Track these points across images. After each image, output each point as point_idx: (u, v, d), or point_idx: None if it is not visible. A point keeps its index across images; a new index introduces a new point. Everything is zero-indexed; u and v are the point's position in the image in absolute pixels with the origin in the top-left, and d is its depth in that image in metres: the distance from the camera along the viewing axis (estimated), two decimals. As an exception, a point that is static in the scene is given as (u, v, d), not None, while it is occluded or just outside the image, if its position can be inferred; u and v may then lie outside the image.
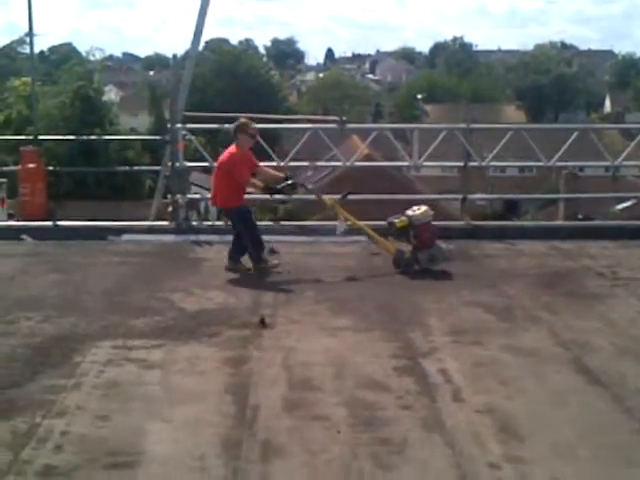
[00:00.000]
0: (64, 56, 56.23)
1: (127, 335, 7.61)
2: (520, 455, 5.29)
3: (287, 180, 10.50)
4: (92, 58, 39.84)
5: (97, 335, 7.60)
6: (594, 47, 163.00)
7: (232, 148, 10.33)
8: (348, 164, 13.21)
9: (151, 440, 5.49)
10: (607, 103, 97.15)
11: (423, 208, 10.57)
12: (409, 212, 10.50)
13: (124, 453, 5.30)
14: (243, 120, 10.60)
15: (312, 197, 11.41)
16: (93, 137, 25.46)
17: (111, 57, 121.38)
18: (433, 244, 10.34)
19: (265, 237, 11.76)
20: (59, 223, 12.97)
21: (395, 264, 10.40)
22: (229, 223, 10.84)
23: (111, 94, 53.79)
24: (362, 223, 10.77)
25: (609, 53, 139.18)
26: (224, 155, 10.40)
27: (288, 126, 18.00)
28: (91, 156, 26.40)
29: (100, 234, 12.28)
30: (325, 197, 10.82)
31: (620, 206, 36.05)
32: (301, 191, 11.58)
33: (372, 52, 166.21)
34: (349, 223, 10.64)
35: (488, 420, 5.81)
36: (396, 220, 10.43)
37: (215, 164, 11.24)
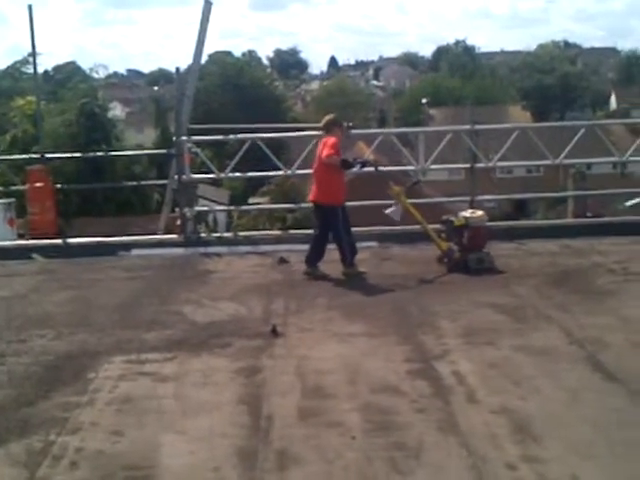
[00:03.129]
0: (68, 74, 56.38)
1: (139, 349, 7.62)
2: (537, 455, 5.26)
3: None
4: (96, 75, 39.98)
5: (109, 350, 7.61)
6: (597, 45, 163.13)
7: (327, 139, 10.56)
8: (355, 170, 13.17)
9: (166, 453, 5.48)
10: (613, 100, 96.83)
11: (479, 212, 10.92)
12: (466, 213, 10.81)
13: (140, 467, 5.30)
14: (334, 115, 11.13)
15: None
16: (100, 154, 25.50)
17: (115, 74, 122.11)
18: (483, 248, 10.54)
19: (275, 246, 11.84)
20: (69, 240, 13.00)
21: (440, 261, 10.65)
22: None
23: (116, 110, 53.89)
24: (420, 216, 10.86)
25: (612, 50, 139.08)
26: (323, 141, 10.63)
27: (293, 134, 17.92)
28: (98, 173, 26.43)
29: (110, 250, 12.29)
30: (392, 183, 10.92)
31: (629, 202, 35.96)
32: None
33: (375, 59, 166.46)
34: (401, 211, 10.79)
35: (503, 421, 5.79)
36: (454, 219, 10.71)
37: (222, 175, 11.24)
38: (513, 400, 6.16)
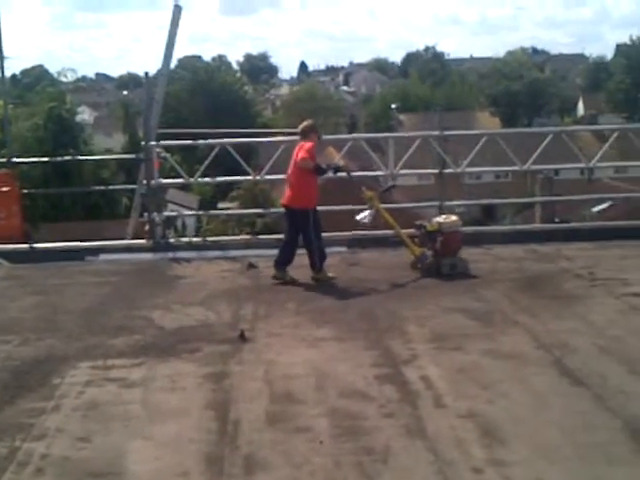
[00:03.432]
0: (36, 78, 56.08)
1: (106, 355, 7.57)
2: (503, 458, 5.29)
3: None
4: (64, 79, 39.90)
5: (76, 356, 7.56)
6: (565, 51, 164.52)
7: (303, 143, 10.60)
8: (329, 175, 13.19)
9: (133, 459, 5.45)
10: (580, 106, 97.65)
11: (453, 217, 10.95)
12: (439, 219, 10.84)
13: (106, 473, 5.27)
14: (311, 121, 11.11)
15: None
16: (67, 158, 25.35)
17: (84, 78, 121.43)
18: (457, 253, 10.60)
19: (244, 251, 11.82)
20: (35, 245, 12.88)
21: (414, 266, 10.66)
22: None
23: (85, 115, 53.61)
24: (393, 220, 10.88)
25: (580, 57, 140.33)
26: (299, 145, 10.65)
27: (263, 140, 17.96)
28: (66, 177, 26.32)
29: (77, 255, 12.19)
30: (365, 188, 10.92)
31: (596, 208, 36.31)
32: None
33: (345, 64, 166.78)
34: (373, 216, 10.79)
35: (471, 425, 5.81)
36: (427, 224, 10.75)
37: (191, 180, 11.16)
38: (480, 404, 6.19)
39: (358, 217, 10.80)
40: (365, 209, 10.80)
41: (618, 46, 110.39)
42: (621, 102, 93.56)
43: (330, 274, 10.47)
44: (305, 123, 10.92)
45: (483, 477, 5.07)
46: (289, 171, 10.67)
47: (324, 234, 10.80)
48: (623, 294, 9.27)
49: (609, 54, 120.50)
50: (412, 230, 11.03)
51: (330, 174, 11.09)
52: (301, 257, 10.45)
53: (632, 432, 5.66)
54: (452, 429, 5.75)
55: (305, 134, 10.65)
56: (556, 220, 23.75)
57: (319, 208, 10.73)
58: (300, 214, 10.43)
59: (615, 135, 13.68)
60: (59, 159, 24.22)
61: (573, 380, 6.69)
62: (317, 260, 10.38)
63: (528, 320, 8.36)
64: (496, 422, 5.85)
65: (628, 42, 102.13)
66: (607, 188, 34.40)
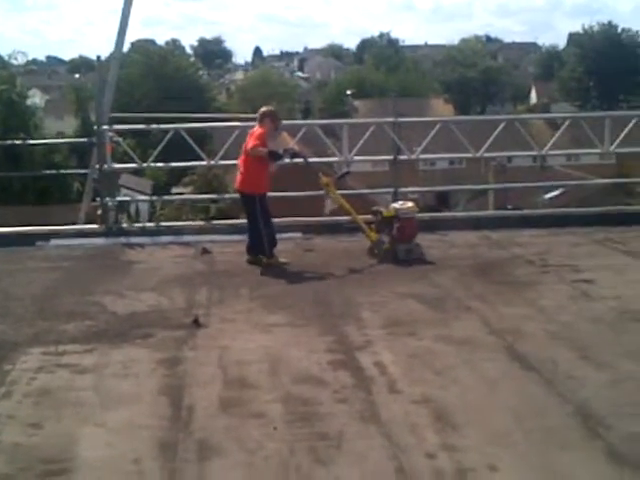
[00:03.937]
0: (-15, 61, 55.05)
1: (58, 341, 7.48)
2: (456, 443, 5.33)
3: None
4: (15, 62, 39.20)
5: (27, 342, 7.46)
6: (518, 40, 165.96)
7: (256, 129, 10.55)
8: (286, 161, 13.15)
9: (85, 446, 5.40)
10: (533, 95, 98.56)
11: (410, 203, 11.01)
12: (396, 205, 10.87)
13: (58, 460, 5.21)
14: (271, 107, 11.09)
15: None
16: (17, 142, 24.99)
17: (35, 61, 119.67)
18: (413, 239, 10.61)
19: (197, 237, 11.77)
20: (-16, 230, 12.67)
21: (371, 252, 10.67)
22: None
23: (35, 98, 52.84)
24: (349, 206, 10.90)
25: (533, 45, 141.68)
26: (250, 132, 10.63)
27: (216, 124, 17.83)
28: (16, 161, 25.93)
29: (27, 240, 12.01)
30: (321, 174, 10.91)
31: (548, 195, 36.75)
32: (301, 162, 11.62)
33: (300, 50, 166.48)
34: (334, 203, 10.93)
35: (424, 410, 5.84)
36: (384, 210, 10.76)
37: (144, 165, 11.04)
38: (434, 390, 6.22)
39: (326, 211, 10.88)
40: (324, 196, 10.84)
41: (570, 35, 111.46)
42: (573, 91, 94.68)
43: (283, 259, 10.46)
44: (263, 108, 10.90)
45: (436, 462, 5.10)
46: (240, 157, 10.64)
47: (278, 220, 10.80)
48: (574, 280, 9.38)
49: (561, 43, 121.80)
50: (368, 216, 11.05)
51: (287, 159, 11.07)
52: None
53: (583, 417, 5.73)
54: (406, 414, 5.78)
55: (260, 119, 10.61)
56: (509, 207, 24.02)
57: (273, 194, 10.71)
58: (250, 199, 10.43)
59: (567, 123, 13.79)
60: (9, 142, 23.89)
61: (524, 365, 6.75)
62: (267, 246, 10.36)
63: (481, 306, 8.42)
64: (449, 407, 5.89)
65: (580, 31, 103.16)
66: (559, 175, 34.70)
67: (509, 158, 32.67)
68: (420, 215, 11.61)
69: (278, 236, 10.65)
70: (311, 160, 11.89)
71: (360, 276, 9.88)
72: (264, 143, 10.34)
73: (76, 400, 6.14)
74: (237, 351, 7.15)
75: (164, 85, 69.86)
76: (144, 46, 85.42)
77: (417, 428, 5.56)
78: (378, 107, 51.40)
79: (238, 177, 10.68)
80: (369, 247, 10.73)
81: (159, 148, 12.94)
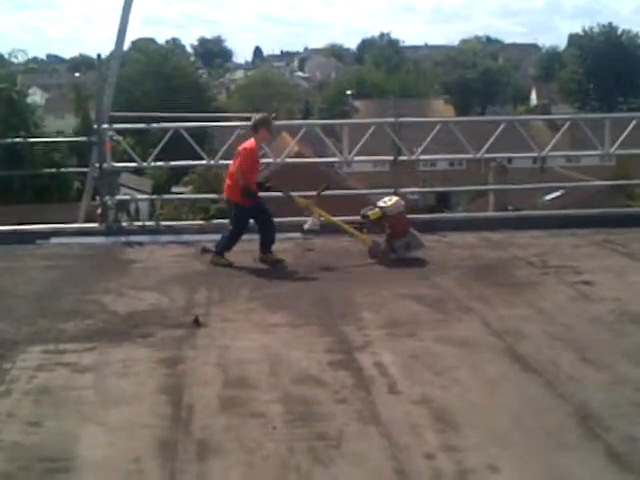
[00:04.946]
0: (-15, 59, 55.02)
1: (58, 339, 7.47)
2: (456, 444, 5.32)
3: (264, 184, 10.88)
4: (15, 60, 39.09)
5: (27, 340, 7.45)
6: (519, 41, 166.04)
7: (251, 142, 10.46)
8: (279, 161, 13.17)
9: (85, 445, 5.39)
10: (533, 96, 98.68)
11: (394, 199, 10.96)
12: (381, 203, 10.80)
13: (58, 459, 5.20)
14: (266, 114, 10.94)
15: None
16: (18, 140, 24.94)
17: (35, 59, 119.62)
18: (407, 232, 10.61)
19: (197, 236, 11.78)
20: (-16, 228, 12.66)
21: (371, 255, 10.62)
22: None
23: (36, 96, 52.87)
24: (336, 219, 10.95)
25: (533, 46, 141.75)
26: (242, 146, 10.51)
27: (216, 124, 17.84)
28: (16, 159, 25.87)
29: (28, 238, 12.01)
30: (298, 198, 10.89)
31: (549, 196, 36.77)
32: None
33: (301, 50, 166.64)
34: (322, 219, 10.84)
35: (424, 411, 5.84)
36: (370, 212, 10.71)
37: (144, 164, 11.04)
38: (434, 390, 6.22)
39: (305, 226, 10.81)
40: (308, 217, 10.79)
41: (571, 36, 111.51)
42: (573, 92, 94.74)
43: (279, 257, 10.51)
44: (258, 116, 10.79)
45: (436, 463, 5.10)
46: (230, 165, 10.68)
47: (279, 219, 10.79)
48: (574, 282, 9.38)
49: (562, 44, 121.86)
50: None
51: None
52: (254, 242, 10.45)
53: (582, 418, 5.73)
54: (406, 415, 5.78)
55: (256, 128, 10.53)
56: (509, 208, 24.01)
57: (273, 194, 10.72)
58: (236, 207, 10.46)
59: (567, 125, 13.82)
60: (9, 141, 23.84)
61: (525, 366, 6.75)
62: (222, 246, 10.50)
63: (481, 307, 8.42)
64: (449, 408, 5.88)
65: (580, 32, 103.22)
66: (559, 177, 34.78)
67: (509, 159, 32.64)
68: (420, 216, 11.61)
69: (278, 236, 10.64)
70: (311, 160, 11.88)
71: (360, 276, 9.88)
72: (253, 165, 10.37)
73: (76, 399, 6.13)
74: (237, 351, 7.15)
75: (164, 84, 69.80)
76: (144, 45, 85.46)
77: (417, 428, 5.56)
78: (378, 107, 51.48)
79: (225, 186, 10.74)
80: (369, 250, 10.71)
81: (159, 147, 12.95)
